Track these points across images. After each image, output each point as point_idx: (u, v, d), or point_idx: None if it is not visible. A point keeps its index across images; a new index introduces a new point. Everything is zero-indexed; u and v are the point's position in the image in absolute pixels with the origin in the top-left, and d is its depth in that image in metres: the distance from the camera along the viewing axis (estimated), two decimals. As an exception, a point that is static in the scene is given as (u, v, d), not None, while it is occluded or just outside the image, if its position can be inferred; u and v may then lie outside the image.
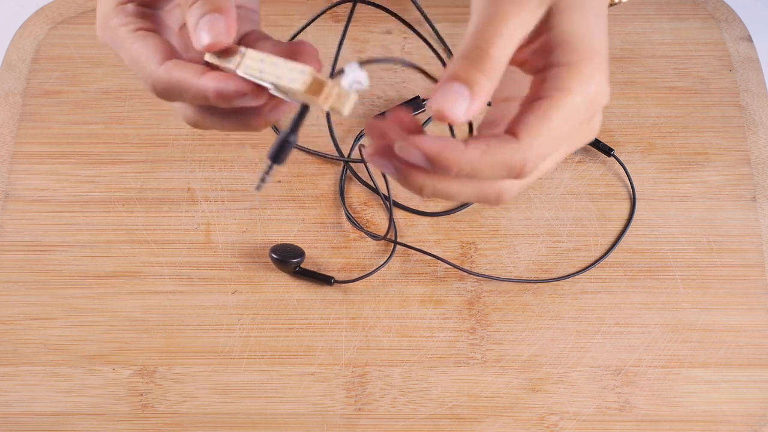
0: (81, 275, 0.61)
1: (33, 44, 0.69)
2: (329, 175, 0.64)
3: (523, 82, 0.41)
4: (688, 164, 0.64)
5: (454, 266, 0.61)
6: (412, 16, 0.69)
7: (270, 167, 0.40)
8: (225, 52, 0.41)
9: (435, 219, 0.63)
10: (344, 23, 0.69)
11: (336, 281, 0.60)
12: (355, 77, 0.38)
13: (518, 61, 0.41)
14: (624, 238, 0.62)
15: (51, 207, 0.63)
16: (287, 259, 0.60)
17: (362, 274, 0.60)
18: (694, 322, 0.59)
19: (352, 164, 0.64)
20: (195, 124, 0.45)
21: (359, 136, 0.66)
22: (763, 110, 0.66)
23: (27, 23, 0.70)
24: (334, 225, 0.63)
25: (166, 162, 0.65)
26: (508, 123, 0.39)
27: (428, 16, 0.69)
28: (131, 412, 0.57)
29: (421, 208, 0.63)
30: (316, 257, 0.61)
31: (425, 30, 0.68)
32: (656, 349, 0.59)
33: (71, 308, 0.60)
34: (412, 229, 0.62)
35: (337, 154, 0.65)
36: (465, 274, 0.61)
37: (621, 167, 0.64)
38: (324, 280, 0.60)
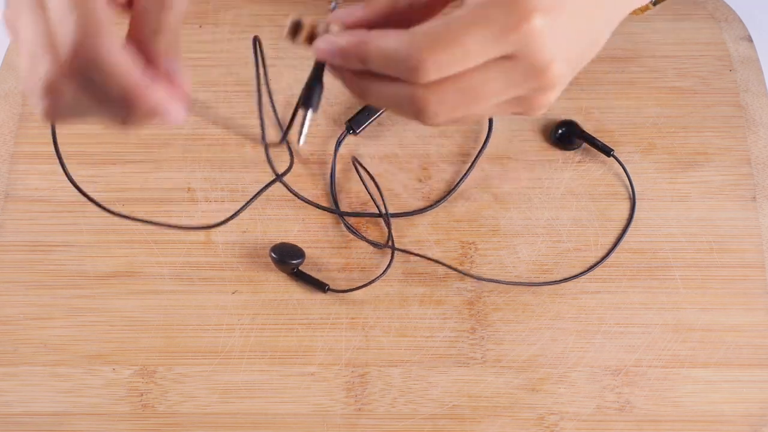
0: (81, 275, 0.61)
1: (33, 44, 0.69)
2: (329, 175, 0.64)
3: None
4: (688, 164, 0.64)
5: (454, 269, 0.61)
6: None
7: (304, 116, 0.40)
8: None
9: (435, 219, 0.63)
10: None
11: (330, 289, 0.60)
12: None
13: None
14: (624, 238, 0.62)
15: (51, 207, 0.63)
16: (287, 259, 0.60)
17: (361, 284, 0.60)
18: (694, 322, 0.59)
19: (352, 164, 0.64)
20: (65, 113, 0.42)
21: (341, 138, 0.66)
22: (763, 110, 0.66)
23: (27, 23, 0.70)
24: (334, 225, 0.63)
25: (166, 162, 0.65)
26: None
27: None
28: (131, 412, 0.57)
29: (421, 205, 0.63)
30: (316, 257, 0.61)
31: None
32: (656, 349, 0.59)
33: (71, 308, 0.60)
34: (412, 230, 0.62)
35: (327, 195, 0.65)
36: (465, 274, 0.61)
37: (621, 167, 0.64)
38: (318, 286, 0.60)
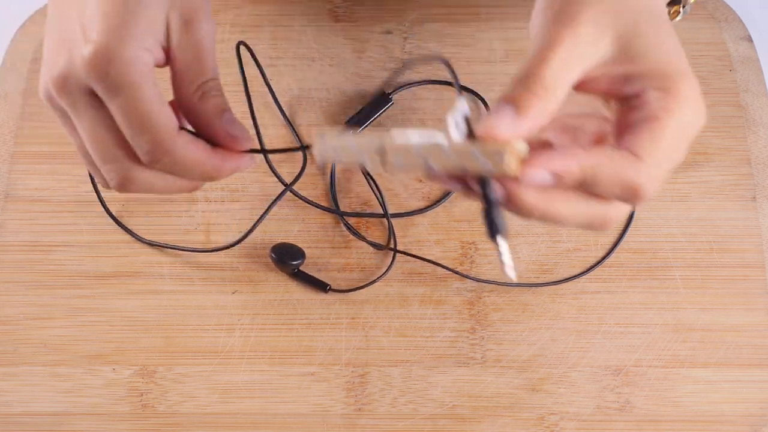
0: (81, 275, 0.61)
1: (33, 44, 0.69)
2: (329, 175, 0.64)
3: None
4: (688, 164, 0.64)
5: (455, 272, 0.61)
6: (412, 16, 0.69)
7: (498, 245, 0.39)
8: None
9: (435, 219, 0.63)
10: (345, 23, 0.69)
11: (331, 289, 0.60)
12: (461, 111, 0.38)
13: (601, 90, 0.41)
14: (624, 238, 0.62)
15: (51, 207, 0.63)
16: (287, 259, 0.60)
17: (361, 284, 0.60)
18: (694, 322, 0.59)
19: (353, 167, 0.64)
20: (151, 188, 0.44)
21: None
22: (763, 110, 0.66)
23: (27, 23, 0.70)
24: (334, 225, 0.63)
25: (166, 162, 0.65)
26: (618, 141, 0.39)
27: (428, 15, 0.69)
28: (131, 412, 0.57)
29: (421, 205, 0.63)
30: (316, 257, 0.61)
31: (426, 28, 0.68)
32: (656, 349, 0.59)
33: (71, 308, 0.60)
34: (412, 229, 0.62)
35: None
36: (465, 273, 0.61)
37: (621, 167, 0.64)
38: (320, 286, 0.60)
